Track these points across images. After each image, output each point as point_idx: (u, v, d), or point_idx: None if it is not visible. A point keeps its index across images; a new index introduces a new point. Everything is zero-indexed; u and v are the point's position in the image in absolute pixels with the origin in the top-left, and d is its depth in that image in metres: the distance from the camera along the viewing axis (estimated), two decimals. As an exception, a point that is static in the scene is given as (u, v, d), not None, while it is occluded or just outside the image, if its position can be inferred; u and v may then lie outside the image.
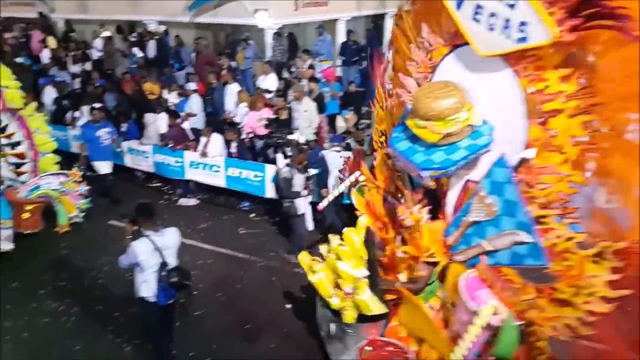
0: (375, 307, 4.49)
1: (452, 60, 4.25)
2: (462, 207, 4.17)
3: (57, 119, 10.85)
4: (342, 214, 7.11)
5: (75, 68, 13.44)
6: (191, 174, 9.44)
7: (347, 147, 8.18)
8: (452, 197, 4.35)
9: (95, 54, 14.33)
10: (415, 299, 4.30)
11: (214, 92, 11.02)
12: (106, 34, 14.79)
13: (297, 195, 7.27)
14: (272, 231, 8.43)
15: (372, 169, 5.39)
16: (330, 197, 6.21)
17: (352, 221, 5.41)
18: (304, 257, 4.98)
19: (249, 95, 10.56)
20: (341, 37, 15.03)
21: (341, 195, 6.18)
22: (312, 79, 10.69)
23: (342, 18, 15.22)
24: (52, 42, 14.80)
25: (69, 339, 5.89)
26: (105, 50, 14.11)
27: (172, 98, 10.90)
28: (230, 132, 9.17)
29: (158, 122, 9.81)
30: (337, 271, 4.55)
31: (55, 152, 8.69)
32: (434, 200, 4.56)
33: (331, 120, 10.42)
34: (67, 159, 9.44)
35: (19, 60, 13.55)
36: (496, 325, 3.75)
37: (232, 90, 10.64)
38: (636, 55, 3.07)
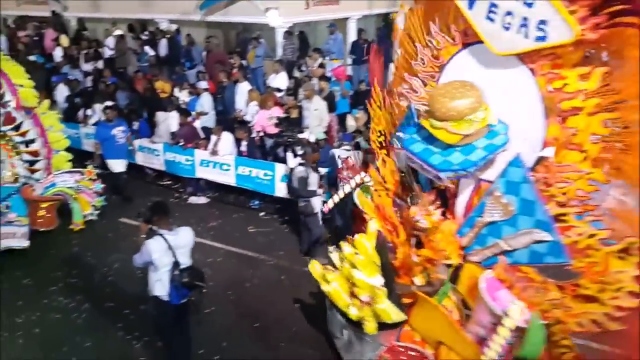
0: (395, 314, 4.38)
1: (462, 59, 4.22)
2: (476, 207, 4.13)
3: (69, 116, 10.92)
4: (348, 215, 7.07)
5: (88, 66, 13.55)
6: (201, 172, 9.47)
7: (357, 146, 8.16)
8: (463, 198, 4.31)
9: (107, 52, 14.41)
10: (434, 302, 4.24)
11: (224, 91, 11.05)
12: (118, 32, 14.87)
13: (314, 194, 7.26)
14: (281, 230, 8.43)
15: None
16: (336, 199, 6.10)
17: (356, 221, 5.41)
18: (314, 266, 4.84)
19: (259, 94, 10.57)
20: (352, 35, 15.00)
21: (350, 196, 6.07)
22: (323, 77, 10.68)
23: (353, 16, 15.18)
24: (64, 40, 14.92)
25: (79, 335, 5.93)
26: (117, 49, 14.18)
27: (183, 96, 10.94)
28: (240, 131, 9.18)
29: (169, 121, 9.86)
30: (353, 280, 4.39)
31: (67, 149, 8.75)
32: (442, 201, 4.53)
33: (341, 119, 10.39)
34: (78, 157, 9.51)
35: (32, 58, 13.65)
36: (522, 327, 3.71)
37: (243, 89, 10.65)
38: None
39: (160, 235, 4.75)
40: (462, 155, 3.87)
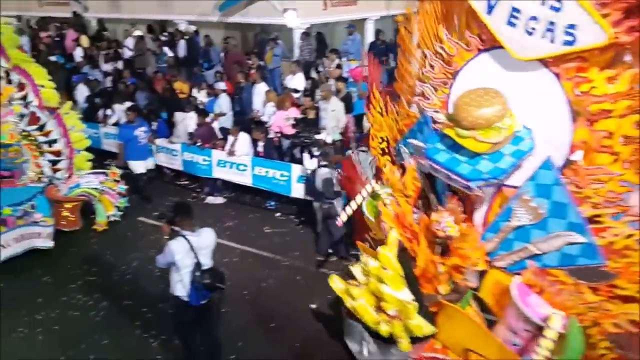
0: (426, 327, 4.22)
1: (478, 65, 4.16)
2: (501, 212, 4.08)
3: (89, 116, 11.07)
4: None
5: (107, 66, 13.70)
6: (218, 173, 9.53)
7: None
8: (480, 203, 4.26)
9: (127, 53, 14.56)
10: (464, 311, 4.16)
11: (242, 92, 11.11)
12: (137, 33, 15.04)
13: (339, 195, 7.22)
14: (297, 231, 8.44)
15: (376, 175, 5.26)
16: (349, 210, 5.70)
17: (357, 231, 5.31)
18: (335, 281, 4.63)
19: (276, 94, 10.60)
20: (370, 36, 14.97)
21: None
22: (340, 78, 10.67)
23: (371, 17, 15.15)
24: (85, 40, 15.13)
25: (97, 333, 5.99)
26: (136, 49, 14.34)
27: (201, 97, 11.02)
28: (257, 131, 9.22)
29: (187, 121, 9.94)
30: (382, 295, 4.21)
31: (87, 149, 8.85)
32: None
33: (358, 120, 10.36)
34: (98, 156, 9.63)
35: (52, 58, 13.88)
36: (560, 332, 3.67)
37: (260, 89, 10.69)
38: None
39: (183, 236, 4.78)
40: (490, 163, 3.82)
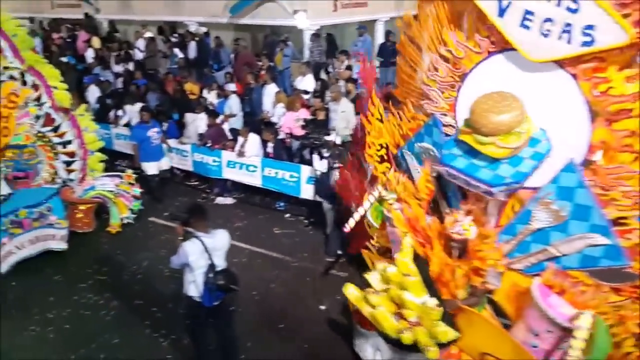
0: (451, 333, 4.09)
1: (488, 68, 4.15)
2: (518, 214, 4.05)
3: (100, 117, 11.14)
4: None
5: (118, 67, 13.79)
6: (228, 173, 9.56)
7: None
8: (493, 205, 4.23)
9: (138, 54, 14.66)
10: (484, 316, 4.11)
11: (252, 93, 11.14)
12: (148, 34, 15.12)
13: None
14: (306, 232, 8.45)
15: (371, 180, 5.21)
16: (356, 217, 5.62)
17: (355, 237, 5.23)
18: (350, 290, 4.40)
19: (286, 95, 10.62)
20: (380, 37, 14.95)
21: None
22: (350, 79, 10.67)
23: (381, 19, 15.14)
24: (96, 42, 15.25)
25: (108, 332, 6.03)
26: (147, 51, 14.43)
27: (211, 98, 11.07)
28: (267, 132, 9.24)
29: (197, 122, 9.99)
30: (404, 303, 4.05)
31: (99, 150, 8.91)
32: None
33: (368, 121, 10.36)
34: (109, 157, 9.67)
35: (64, 59, 14.00)
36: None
37: (270, 90, 10.72)
38: None
39: (197, 237, 4.79)
40: (510, 167, 3.80)
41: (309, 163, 8.57)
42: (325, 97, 10.16)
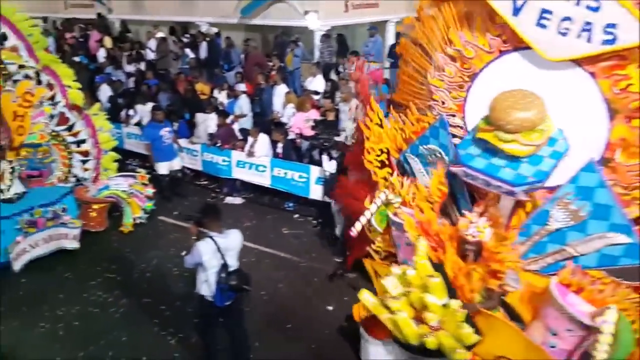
0: (474, 335, 3.99)
1: (500, 67, 4.13)
2: (533, 214, 4.02)
3: (112, 116, 11.19)
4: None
5: (130, 67, 13.89)
6: (238, 173, 9.59)
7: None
8: (505, 206, 4.20)
9: (149, 54, 14.75)
10: (503, 319, 4.06)
11: (262, 93, 11.16)
12: (160, 34, 15.21)
13: None
14: (315, 232, 8.45)
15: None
16: (363, 220, 5.54)
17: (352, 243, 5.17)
18: (366, 296, 4.29)
19: (296, 96, 10.64)
20: (391, 38, 14.92)
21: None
22: (360, 81, 10.65)
23: (392, 19, 15.11)
24: (108, 42, 15.38)
25: (116, 329, 6.06)
26: (159, 51, 14.51)
27: (221, 98, 11.11)
28: (277, 133, 9.25)
29: (208, 122, 10.02)
30: (427, 306, 3.93)
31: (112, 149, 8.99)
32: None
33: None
34: (121, 156, 9.73)
35: (76, 59, 14.12)
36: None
37: (280, 91, 10.74)
38: None
39: (210, 237, 4.81)
40: (531, 166, 3.78)
41: (319, 164, 8.57)
42: (336, 97, 10.16)
